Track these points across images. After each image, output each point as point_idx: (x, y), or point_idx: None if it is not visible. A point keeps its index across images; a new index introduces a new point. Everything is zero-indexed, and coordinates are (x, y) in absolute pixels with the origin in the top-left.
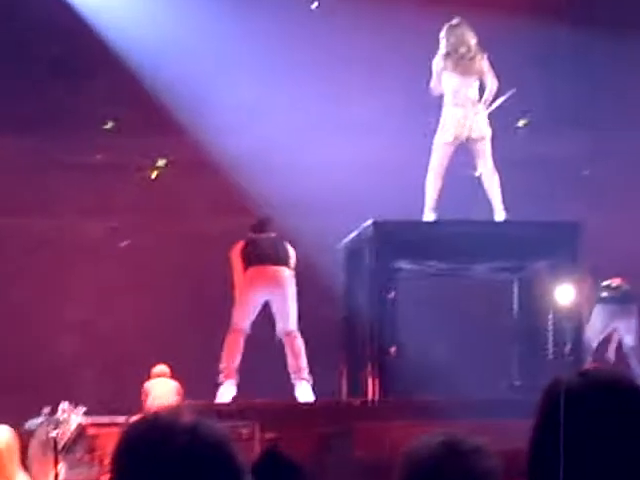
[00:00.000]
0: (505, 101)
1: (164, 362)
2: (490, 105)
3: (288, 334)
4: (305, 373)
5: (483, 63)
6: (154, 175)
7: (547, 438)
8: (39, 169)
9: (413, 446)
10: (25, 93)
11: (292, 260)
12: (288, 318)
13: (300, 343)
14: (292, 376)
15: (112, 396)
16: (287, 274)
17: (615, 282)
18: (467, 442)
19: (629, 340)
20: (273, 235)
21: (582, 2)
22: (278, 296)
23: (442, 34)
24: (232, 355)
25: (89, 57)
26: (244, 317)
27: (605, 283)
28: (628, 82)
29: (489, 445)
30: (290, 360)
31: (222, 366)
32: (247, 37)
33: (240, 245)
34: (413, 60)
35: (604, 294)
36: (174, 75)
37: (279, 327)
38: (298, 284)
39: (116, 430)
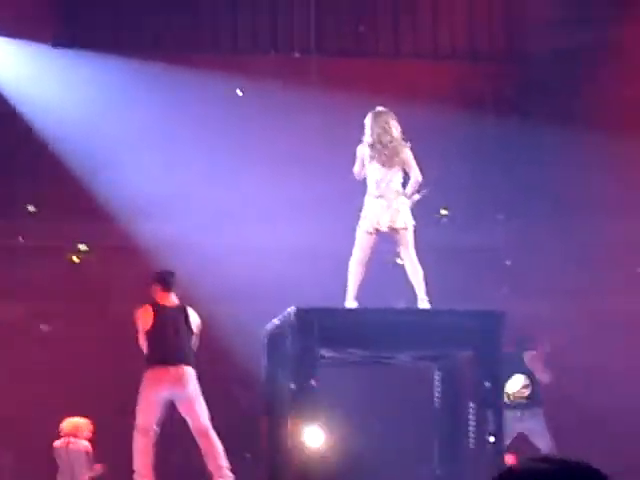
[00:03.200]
0: (427, 193)
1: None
2: (411, 197)
3: (202, 433)
4: (225, 471)
5: (407, 154)
6: (76, 260)
7: None
8: None
9: None
10: None
11: (196, 329)
12: (199, 416)
13: (215, 440)
14: (213, 476)
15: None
16: (190, 372)
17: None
18: None
19: (540, 443)
20: (177, 303)
21: (508, 93)
22: (183, 396)
23: (366, 121)
24: (144, 459)
25: (11, 137)
26: (150, 417)
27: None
28: (550, 173)
29: None
30: (209, 460)
31: (136, 469)
32: (168, 123)
33: (147, 312)
34: (340, 146)
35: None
36: (97, 160)
37: (192, 427)
38: (219, 369)
39: None
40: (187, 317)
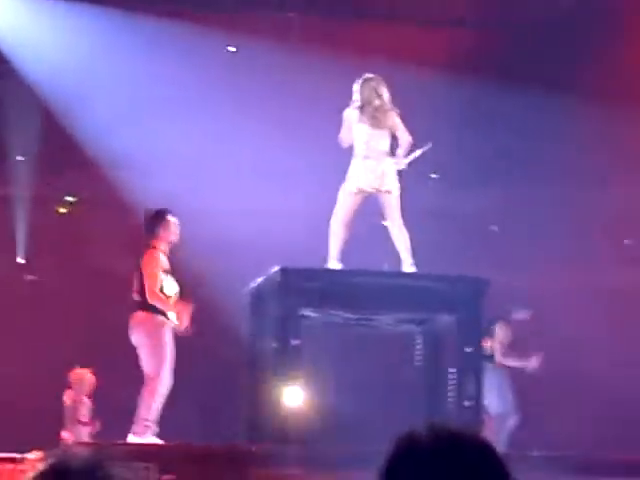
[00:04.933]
0: (428, 148)
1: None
2: (406, 158)
3: None
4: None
5: (395, 118)
6: (63, 211)
7: None
8: None
9: None
10: None
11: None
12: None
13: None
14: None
15: (7, 432)
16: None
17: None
18: None
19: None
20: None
21: (496, 56)
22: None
23: (355, 87)
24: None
25: (5, 90)
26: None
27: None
28: (541, 138)
29: None
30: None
31: (148, 417)
32: (163, 78)
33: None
34: (330, 111)
35: None
36: (86, 112)
37: None
38: (203, 325)
39: (11, 467)
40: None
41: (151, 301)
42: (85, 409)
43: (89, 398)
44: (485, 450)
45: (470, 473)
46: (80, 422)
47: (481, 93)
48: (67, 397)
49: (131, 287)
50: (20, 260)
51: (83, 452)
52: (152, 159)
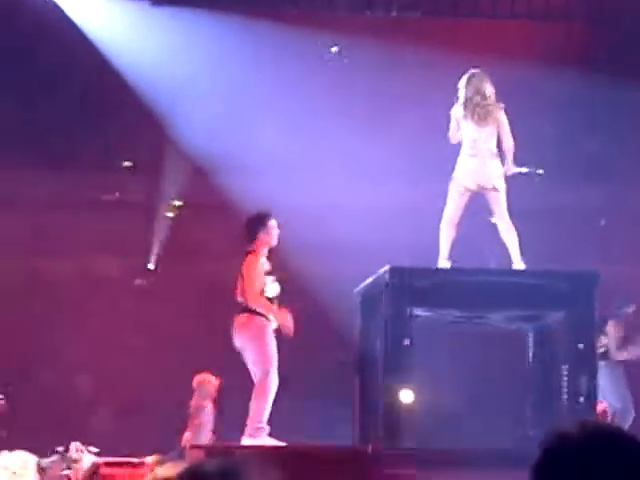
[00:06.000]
0: (535, 172)
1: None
2: (514, 168)
3: None
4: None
5: (500, 114)
6: (171, 215)
7: None
8: (56, 206)
9: None
10: (48, 130)
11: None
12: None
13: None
14: None
15: (127, 436)
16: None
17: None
18: None
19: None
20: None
21: (603, 53)
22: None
23: (460, 83)
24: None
25: (111, 96)
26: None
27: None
28: None
29: None
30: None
31: (263, 419)
32: (268, 82)
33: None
34: (433, 106)
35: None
36: (193, 117)
37: None
38: (314, 327)
39: (130, 470)
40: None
41: (252, 304)
42: (208, 413)
43: (213, 403)
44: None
45: (626, 470)
46: (202, 426)
47: (589, 88)
48: (192, 401)
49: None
50: (150, 266)
51: (216, 456)
52: (257, 162)
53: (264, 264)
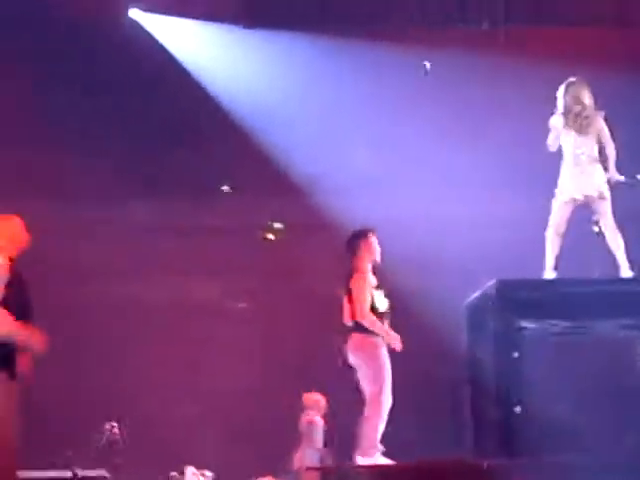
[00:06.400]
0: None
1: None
2: (619, 177)
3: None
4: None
5: (600, 122)
6: (271, 238)
7: None
8: (152, 230)
9: None
10: (146, 155)
11: None
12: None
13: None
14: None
15: (238, 460)
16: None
17: None
18: None
19: None
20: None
21: None
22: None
23: (559, 93)
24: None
25: (208, 121)
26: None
27: None
28: None
29: None
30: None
31: (374, 441)
32: (360, 100)
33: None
34: (534, 117)
35: None
36: (284, 138)
37: None
38: (420, 344)
39: None
40: None
41: (363, 322)
42: (319, 431)
43: (324, 420)
44: None
45: None
46: (313, 445)
47: None
48: (303, 420)
49: (340, 310)
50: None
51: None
52: (350, 180)
53: (371, 280)
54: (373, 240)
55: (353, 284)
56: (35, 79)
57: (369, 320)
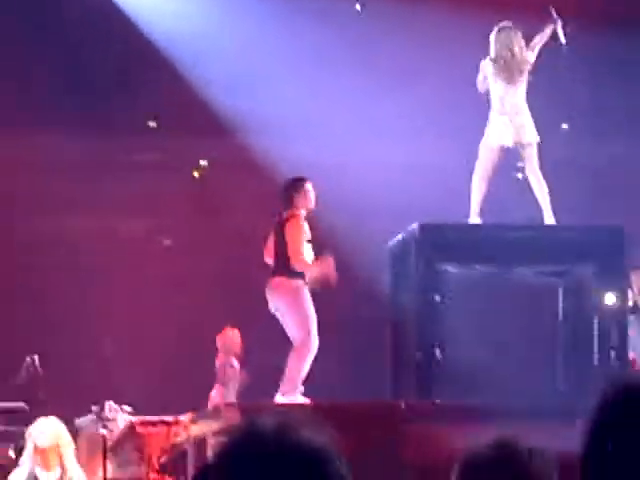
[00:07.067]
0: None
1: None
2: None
3: None
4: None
5: (528, 54)
6: (196, 175)
7: (604, 442)
8: (85, 167)
9: (469, 448)
10: (74, 89)
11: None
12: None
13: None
14: None
15: (156, 395)
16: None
17: None
18: (522, 444)
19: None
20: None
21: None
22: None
23: (491, 37)
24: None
25: (131, 53)
26: None
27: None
28: None
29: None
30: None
31: (298, 383)
32: (290, 38)
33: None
34: (461, 63)
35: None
36: (217, 76)
37: None
38: (342, 283)
39: (165, 429)
40: None
41: (297, 267)
42: (233, 370)
43: (237, 359)
44: None
45: None
46: (228, 383)
47: (615, 43)
48: (217, 359)
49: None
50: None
51: (251, 414)
52: (285, 122)
53: (306, 230)
54: (308, 188)
55: (288, 229)
56: None
57: (304, 263)
